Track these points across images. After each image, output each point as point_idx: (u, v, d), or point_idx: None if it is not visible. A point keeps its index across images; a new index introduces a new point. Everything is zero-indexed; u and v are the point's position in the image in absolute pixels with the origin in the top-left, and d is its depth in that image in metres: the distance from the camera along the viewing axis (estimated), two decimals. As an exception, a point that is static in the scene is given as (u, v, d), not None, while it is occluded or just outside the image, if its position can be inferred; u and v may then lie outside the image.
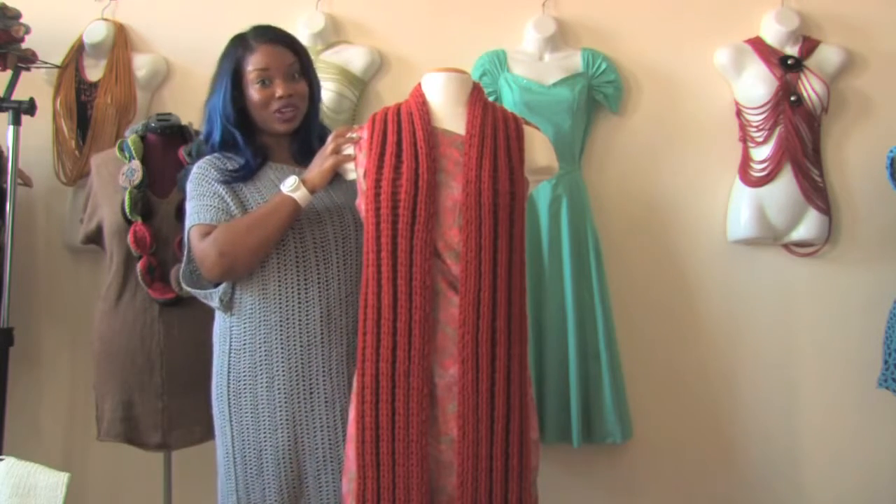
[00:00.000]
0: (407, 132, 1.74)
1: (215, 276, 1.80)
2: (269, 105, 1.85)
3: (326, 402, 1.82)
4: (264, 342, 1.81)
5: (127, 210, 2.21)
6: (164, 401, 2.23)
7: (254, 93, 1.85)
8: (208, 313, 2.32)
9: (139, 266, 2.21)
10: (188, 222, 1.85)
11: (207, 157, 1.90)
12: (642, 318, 2.58)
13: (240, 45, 1.89)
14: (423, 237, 1.66)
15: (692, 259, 2.60)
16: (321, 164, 1.78)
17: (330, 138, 1.82)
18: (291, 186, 1.75)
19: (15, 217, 2.44)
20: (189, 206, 1.87)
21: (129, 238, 2.20)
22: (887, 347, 2.33)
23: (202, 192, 1.84)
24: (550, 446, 2.42)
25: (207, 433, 2.31)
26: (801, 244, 2.57)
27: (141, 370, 2.23)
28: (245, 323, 1.84)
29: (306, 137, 1.94)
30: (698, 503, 2.59)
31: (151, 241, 2.22)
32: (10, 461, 1.65)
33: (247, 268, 1.79)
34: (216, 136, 1.89)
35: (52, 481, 1.60)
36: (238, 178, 1.85)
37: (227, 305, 1.85)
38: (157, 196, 2.27)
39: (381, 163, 1.72)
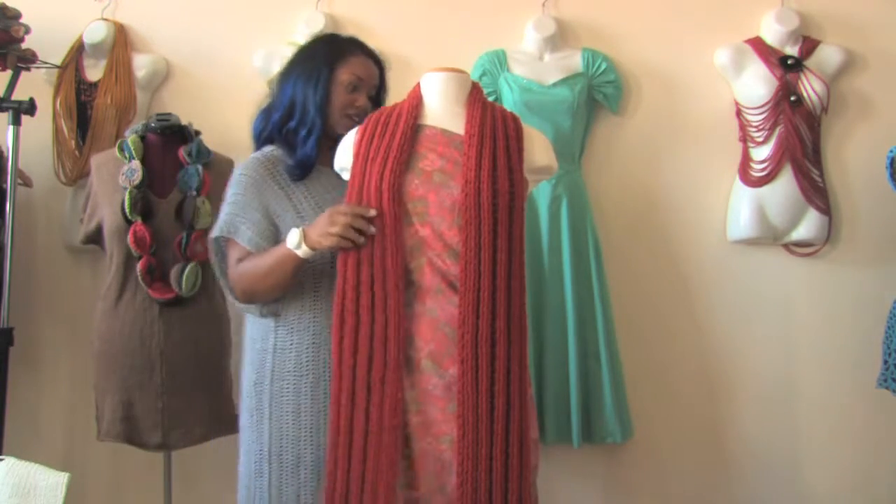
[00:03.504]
0: (388, 134, 1.74)
1: (243, 303, 1.87)
2: (347, 110, 1.90)
3: None
4: (312, 343, 1.83)
5: (127, 210, 2.21)
6: (164, 401, 2.23)
7: (339, 95, 1.89)
8: (208, 313, 2.33)
9: (139, 266, 2.21)
10: (226, 226, 1.84)
11: (259, 158, 1.90)
12: (642, 318, 2.58)
13: (336, 46, 1.95)
14: (392, 240, 1.67)
15: (692, 259, 2.60)
16: (328, 230, 1.70)
17: (346, 211, 1.70)
18: (295, 242, 1.73)
19: (15, 217, 2.44)
20: (230, 210, 1.85)
21: (129, 238, 2.20)
22: (887, 347, 2.33)
23: (249, 202, 1.85)
24: (550, 446, 2.42)
25: (207, 433, 2.32)
26: (801, 244, 2.57)
27: (141, 370, 2.23)
28: (292, 324, 1.84)
29: None
30: (698, 503, 2.59)
31: (151, 241, 2.22)
32: (10, 461, 1.65)
33: (270, 300, 1.84)
34: (313, 136, 1.87)
35: (52, 481, 1.60)
36: (295, 177, 1.87)
37: (269, 314, 1.87)
38: (157, 196, 2.27)
39: (364, 170, 1.73)
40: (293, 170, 1.87)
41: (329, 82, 1.89)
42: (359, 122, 1.86)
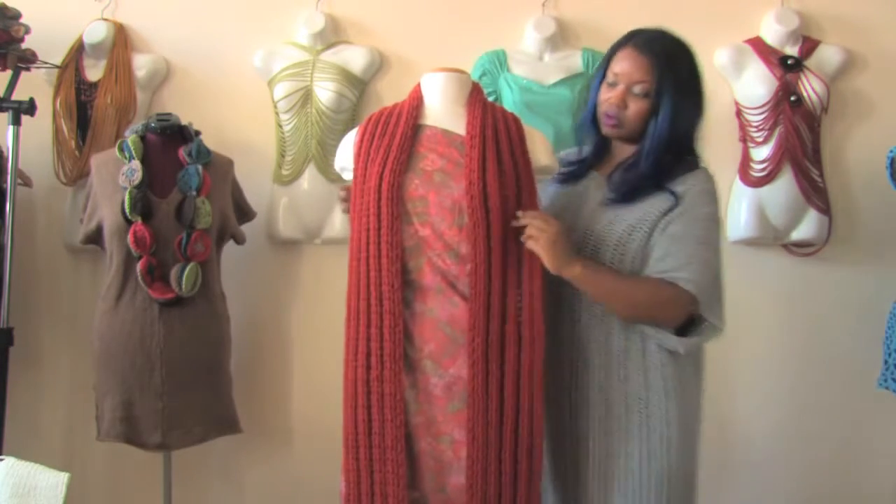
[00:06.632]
0: (389, 134, 1.73)
1: None
2: (601, 107, 1.80)
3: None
4: None
5: (127, 210, 2.20)
6: (164, 401, 2.23)
7: (602, 93, 1.81)
8: (208, 313, 2.33)
9: (139, 266, 2.21)
10: None
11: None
12: (642, 318, 2.58)
13: (622, 38, 1.84)
14: (388, 240, 1.66)
15: (692, 259, 2.59)
16: None
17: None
18: None
19: (15, 217, 2.44)
20: None
21: (129, 238, 2.20)
22: (887, 347, 2.33)
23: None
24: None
25: (207, 433, 2.32)
26: (801, 244, 2.57)
27: (141, 370, 2.23)
28: None
29: (633, 165, 1.78)
30: (697, 502, 2.59)
31: (151, 241, 2.22)
32: (10, 461, 1.65)
33: None
34: (583, 126, 1.89)
35: (52, 481, 1.60)
36: (563, 179, 1.88)
37: None
38: (157, 196, 2.27)
39: (364, 169, 1.73)
40: (564, 174, 1.88)
41: (601, 82, 1.82)
42: (616, 122, 1.77)
